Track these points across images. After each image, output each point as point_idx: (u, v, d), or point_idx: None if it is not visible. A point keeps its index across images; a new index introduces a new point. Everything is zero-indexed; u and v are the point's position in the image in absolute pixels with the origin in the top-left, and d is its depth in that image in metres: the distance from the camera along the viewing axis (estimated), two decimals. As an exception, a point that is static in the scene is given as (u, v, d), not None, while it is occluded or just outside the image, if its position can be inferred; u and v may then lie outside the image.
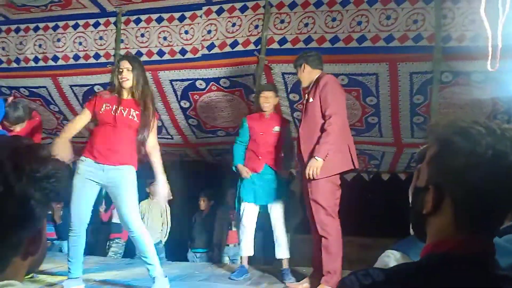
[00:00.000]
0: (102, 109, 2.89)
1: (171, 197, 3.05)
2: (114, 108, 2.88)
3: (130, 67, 2.90)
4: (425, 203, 0.81)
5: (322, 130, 3.02)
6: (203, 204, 5.40)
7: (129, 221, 2.86)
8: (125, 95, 2.94)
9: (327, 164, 2.97)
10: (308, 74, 3.27)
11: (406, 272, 0.78)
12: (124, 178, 2.89)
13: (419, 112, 4.42)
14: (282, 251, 3.51)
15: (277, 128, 3.62)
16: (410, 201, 0.88)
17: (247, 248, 3.54)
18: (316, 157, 2.95)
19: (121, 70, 2.91)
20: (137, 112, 2.91)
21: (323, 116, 3.06)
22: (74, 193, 2.82)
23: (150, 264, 2.85)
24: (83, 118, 2.97)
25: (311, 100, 3.15)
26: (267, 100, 3.59)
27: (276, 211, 3.54)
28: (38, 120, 3.79)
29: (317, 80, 3.18)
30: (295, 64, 3.35)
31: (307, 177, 2.98)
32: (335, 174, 3.06)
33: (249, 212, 3.55)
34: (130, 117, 2.89)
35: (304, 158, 3.09)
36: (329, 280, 2.96)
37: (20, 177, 0.69)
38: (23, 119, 3.50)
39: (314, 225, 3.10)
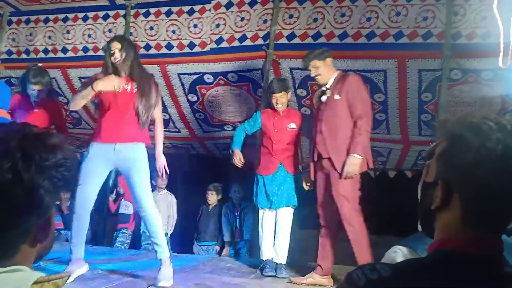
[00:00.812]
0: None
1: (167, 172, 3.07)
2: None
3: (119, 46, 2.92)
4: (434, 198, 0.80)
5: (354, 129, 3.04)
6: (211, 197, 5.40)
7: (142, 200, 2.88)
8: (122, 74, 2.95)
9: None
10: (328, 68, 3.22)
11: (413, 268, 0.78)
12: (136, 156, 2.90)
13: (427, 109, 4.40)
14: (280, 259, 3.47)
15: (292, 125, 3.53)
16: (419, 197, 0.88)
17: (267, 252, 3.50)
18: (355, 155, 2.97)
19: (112, 52, 2.93)
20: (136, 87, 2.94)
21: (351, 115, 3.07)
22: (81, 177, 2.80)
23: (158, 245, 2.88)
24: None
25: (337, 97, 3.11)
26: (279, 101, 3.48)
27: (284, 217, 3.49)
28: (58, 103, 3.82)
29: (343, 77, 3.16)
30: (316, 58, 3.22)
31: (347, 175, 2.99)
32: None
33: (266, 218, 3.52)
34: (129, 91, 2.91)
35: (328, 154, 3.10)
36: None
37: (29, 166, 0.69)
38: (45, 79, 3.47)
39: (328, 219, 3.16)
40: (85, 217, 2.93)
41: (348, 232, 3.03)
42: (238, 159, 3.50)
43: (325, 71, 3.21)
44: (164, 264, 2.85)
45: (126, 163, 2.90)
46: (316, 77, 3.24)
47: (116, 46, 2.93)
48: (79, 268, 2.89)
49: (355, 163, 2.97)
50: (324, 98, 3.22)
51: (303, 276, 3.24)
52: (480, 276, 0.74)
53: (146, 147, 2.99)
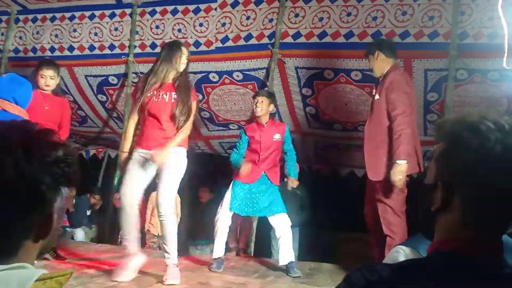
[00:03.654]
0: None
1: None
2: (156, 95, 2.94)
3: (187, 53, 3.05)
4: (434, 200, 0.80)
5: (390, 132, 2.91)
6: (203, 195, 5.38)
7: (162, 202, 2.90)
8: (170, 79, 2.99)
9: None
10: (381, 63, 3.10)
11: (412, 269, 0.78)
12: (172, 159, 2.92)
13: (433, 109, 4.38)
14: (289, 257, 3.48)
15: (277, 136, 3.55)
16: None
17: (219, 251, 3.54)
18: (397, 162, 2.81)
19: (183, 57, 3.01)
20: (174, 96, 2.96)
21: (389, 117, 2.95)
22: (126, 176, 2.92)
23: (167, 252, 2.91)
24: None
25: (377, 97, 3.03)
26: (259, 105, 3.50)
27: (282, 222, 3.51)
28: (66, 101, 3.85)
29: (386, 75, 3.05)
30: (368, 51, 3.17)
31: (395, 184, 2.83)
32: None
33: (228, 220, 3.56)
34: (167, 100, 2.94)
35: (365, 157, 3.06)
36: None
37: (31, 161, 0.70)
38: (57, 67, 3.48)
39: (375, 224, 3.07)
40: (133, 213, 2.97)
41: (388, 238, 2.92)
42: (247, 168, 3.47)
43: (377, 64, 3.12)
44: (170, 269, 2.88)
45: (161, 166, 2.93)
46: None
47: (186, 52, 3.01)
48: (139, 261, 2.92)
49: (399, 170, 2.81)
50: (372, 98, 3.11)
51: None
52: (479, 277, 0.74)
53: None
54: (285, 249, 3.47)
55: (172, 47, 3.01)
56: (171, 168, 2.92)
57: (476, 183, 0.75)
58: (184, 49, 3.02)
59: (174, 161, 2.94)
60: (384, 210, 2.95)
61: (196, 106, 3.08)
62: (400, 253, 1.33)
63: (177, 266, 2.92)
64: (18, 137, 0.72)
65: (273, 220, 3.54)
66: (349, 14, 4.09)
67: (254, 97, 3.59)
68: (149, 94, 2.90)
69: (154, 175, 3.00)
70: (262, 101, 3.51)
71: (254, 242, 4.55)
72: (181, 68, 2.99)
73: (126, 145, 3.08)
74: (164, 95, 2.93)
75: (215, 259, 3.48)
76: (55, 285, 0.74)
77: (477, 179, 0.75)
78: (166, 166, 2.91)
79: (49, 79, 3.40)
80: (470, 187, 0.76)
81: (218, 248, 3.54)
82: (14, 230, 0.72)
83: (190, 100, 2.98)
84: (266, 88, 4.41)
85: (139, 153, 2.96)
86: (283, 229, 3.49)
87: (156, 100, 2.91)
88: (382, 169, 2.95)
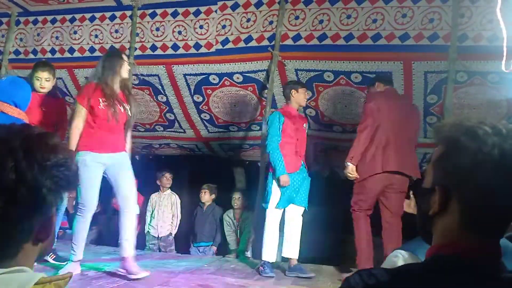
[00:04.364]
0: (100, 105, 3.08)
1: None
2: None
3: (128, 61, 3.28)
4: (431, 203, 0.81)
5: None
6: (204, 196, 5.35)
7: (130, 198, 3.08)
8: (117, 87, 3.17)
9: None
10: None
11: (410, 273, 0.78)
12: (126, 160, 3.16)
13: (432, 112, 4.38)
14: (294, 250, 3.52)
15: (305, 125, 3.72)
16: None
17: (272, 253, 3.51)
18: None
19: (124, 64, 3.17)
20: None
21: None
22: (84, 182, 2.97)
23: (126, 240, 3.06)
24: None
25: None
26: (306, 96, 3.76)
27: (299, 215, 3.56)
28: (64, 102, 3.88)
29: None
30: (370, 83, 3.81)
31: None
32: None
33: (277, 219, 3.54)
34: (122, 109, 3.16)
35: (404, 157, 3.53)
36: None
37: (32, 165, 0.71)
38: (52, 68, 3.52)
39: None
40: (89, 220, 3.13)
41: None
42: (288, 181, 3.48)
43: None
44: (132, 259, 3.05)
45: (116, 165, 3.11)
46: None
47: (126, 59, 3.17)
48: (77, 270, 2.96)
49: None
50: None
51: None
52: (478, 281, 0.74)
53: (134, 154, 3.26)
54: (294, 244, 3.51)
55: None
56: (130, 167, 3.21)
57: (473, 187, 0.75)
58: (124, 56, 3.23)
59: (129, 163, 3.24)
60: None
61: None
62: (398, 258, 1.33)
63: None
64: (18, 141, 0.72)
65: (292, 210, 3.53)
66: (349, 17, 4.09)
67: (300, 88, 3.68)
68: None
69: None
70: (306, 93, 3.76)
71: (252, 244, 4.54)
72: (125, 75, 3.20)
73: None
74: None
75: (266, 263, 3.46)
76: (54, 288, 0.74)
77: (474, 183, 0.75)
78: (125, 166, 3.18)
79: (44, 81, 3.42)
80: (467, 191, 0.76)
81: (270, 251, 3.49)
82: (14, 233, 0.72)
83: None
84: (266, 90, 4.44)
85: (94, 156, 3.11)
86: (297, 222, 3.54)
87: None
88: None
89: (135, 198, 3.15)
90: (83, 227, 3.08)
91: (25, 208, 0.71)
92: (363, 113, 3.53)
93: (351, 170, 3.44)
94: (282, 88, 4.27)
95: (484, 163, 0.74)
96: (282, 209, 3.54)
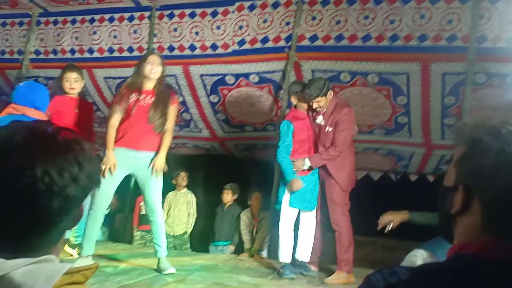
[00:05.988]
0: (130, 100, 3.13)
1: (166, 169, 3.23)
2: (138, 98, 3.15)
3: (159, 61, 3.21)
4: (454, 203, 0.81)
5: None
6: (226, 196, 5.39)
7: (155, 207, 3.15)
8: (149, 86, 3.19)
9: None
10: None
11: (431, 272, 0.78)
12: (156, 163, 3.14)
13: (450, 113, 4.34)
14: (307, 253, 3.54)
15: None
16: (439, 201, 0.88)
17: (288, 254, 3.51)
18: None
19: (151, 64, 3.17)
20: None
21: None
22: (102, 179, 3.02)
23: (159, 246, 3.17)
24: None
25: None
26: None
27: (312, 218, 3.58)
28: (91, 105, 3.95)
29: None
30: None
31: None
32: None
33: (292, 219, 3.55)
34: (145, 104, 3.16)
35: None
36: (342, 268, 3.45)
37: (61, 174, 0.72)
38: (81, 70, 3.66)
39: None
40: (101, 216, 3.18)
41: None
42: (300, 185, 3.50)
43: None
44: (162, 262, 3.19)
45: (143, 170, 3.14)
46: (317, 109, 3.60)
47: (156, 60, 3.17)
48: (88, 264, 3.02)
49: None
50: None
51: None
52: (499, 281, 0.74)
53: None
54: (307, 246, 3.53)
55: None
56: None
57: (496, 187, 0.75)
58: (151, 56, 3.23)
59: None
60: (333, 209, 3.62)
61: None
62: (417, 257, 1.34)
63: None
64: (49, 150, 0.73)
65: (307, 214, 3.56)
66: (366, 17, 4.08)
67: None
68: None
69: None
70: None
71: (269, 244, 4.55)
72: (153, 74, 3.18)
73: None
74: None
75: (285, 264, 3.46)
76: (81, 278, 0.76)
77: (497, 183, 0.75)
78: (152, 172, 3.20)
79: (73, 81, 3.51)
80: (489, 191, 0.76)
81: (287, 252, 3.50)
82: (47, 240, 0.75)
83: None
84: (282, 91, 4.44)
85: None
86: (311, 224, 3.57)
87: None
88: None
89: (160, 208, 3.24)
90: (94, 222, 3.12)
91: (57, 216, 0.73)
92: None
93: None
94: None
95: (506, 163, 0.74)
96: (297, 210, 3.54)
